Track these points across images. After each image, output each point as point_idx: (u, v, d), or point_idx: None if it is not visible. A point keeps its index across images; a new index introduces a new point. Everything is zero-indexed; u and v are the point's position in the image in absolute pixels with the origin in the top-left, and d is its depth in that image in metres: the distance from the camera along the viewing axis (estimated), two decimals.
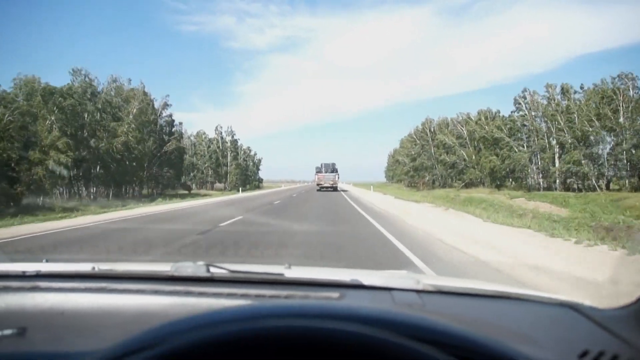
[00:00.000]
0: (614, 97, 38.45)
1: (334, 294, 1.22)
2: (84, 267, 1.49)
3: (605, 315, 1.11)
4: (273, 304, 0.91)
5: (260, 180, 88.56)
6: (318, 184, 45.29)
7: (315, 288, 1.33)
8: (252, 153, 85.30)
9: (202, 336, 0.67)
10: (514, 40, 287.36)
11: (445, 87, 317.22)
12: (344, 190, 46.77)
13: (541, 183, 44.86)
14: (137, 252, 7.46)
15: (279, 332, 0.68)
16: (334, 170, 46.13)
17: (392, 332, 0.66)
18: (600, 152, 40.21)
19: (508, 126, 49.75)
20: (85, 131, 34.27)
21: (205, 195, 46.62)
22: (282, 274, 1.38)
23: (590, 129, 38.55)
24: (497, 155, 49.98)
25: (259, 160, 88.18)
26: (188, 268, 1.38)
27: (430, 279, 1.42)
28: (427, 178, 68.79)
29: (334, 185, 45.04)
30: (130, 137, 37.98)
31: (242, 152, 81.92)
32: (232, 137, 76.84)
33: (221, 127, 76.29)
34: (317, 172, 46.78)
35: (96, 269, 1.47)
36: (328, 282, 1.40)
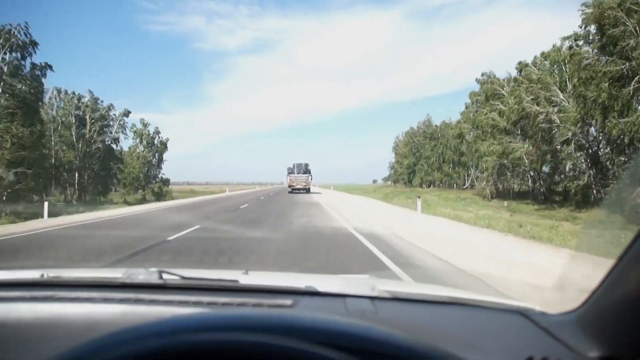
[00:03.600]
0: None
1: (287, 301, 1.22)
2: (31, 274, 1.45)
3: (552, 320, 1.13)
4: (193, 316, 0.84)
5: (165, 183, 50.10)
6: (290, 186, 43.87)
7: (269, 295, 1.30)
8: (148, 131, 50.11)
9: (120, 354, 0.67)
10: (485, 42, 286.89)
11: (420, 89, 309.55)
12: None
13: None
14: None
15: (192, 346, 0.68)
16: (306, 171, 44.81)
17: (305, 341, 0.66)
18: None
19: None
20: None
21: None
22: (236, 281, 1.37)
23: None
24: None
25: (163, 146, 49.74)
26: (140, 275, 1.35)
27: (387, 285, 1.43)
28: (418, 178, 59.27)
29: (306, 187, 43.47)
30: None
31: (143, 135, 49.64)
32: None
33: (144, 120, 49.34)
34: (288, 174, 45.27)
35: (45, 276, 1.43)
36: (282, 289, 1.37)
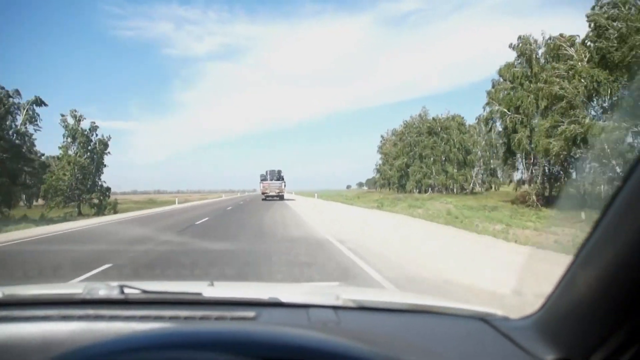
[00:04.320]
0: None
1: (250, 313, 1.22)
2: None
3: (512, 326, 1.14)
4: (146, 333, 0.84)
5: (105, 192, 39.66)
6: (263, 193, 42.51)
7: (232, 308, 1.29)
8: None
9: None
10: (453, 50, 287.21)
11: (390, 95, 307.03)
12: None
13: None
14: None
15: None
16: (279, 177, 43.53)
17: (248, 357, 0.68)
18: None
19: None
20: None
21: None
22: (199, 293, 1.35)
23: None
24: None
25: (103, 146, 39.18)
26: (100, 290, 1.31)
27: (352, 293, 1.42)
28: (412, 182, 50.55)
29: (280, 194, 41.87)
30: None
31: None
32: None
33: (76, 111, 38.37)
34: (261, 180, 43.67)
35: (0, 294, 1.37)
36: (246, 301, 1.37)
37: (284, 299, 1.33)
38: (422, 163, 49.92)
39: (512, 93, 26.88)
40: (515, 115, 26.93)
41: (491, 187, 51.59)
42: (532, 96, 25.42)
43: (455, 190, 49.82)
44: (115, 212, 35.39)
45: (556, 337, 0.95)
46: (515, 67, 27.66)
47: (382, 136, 66.03)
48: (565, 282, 0.93)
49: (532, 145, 25.18)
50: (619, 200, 0.76)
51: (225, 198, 66.04)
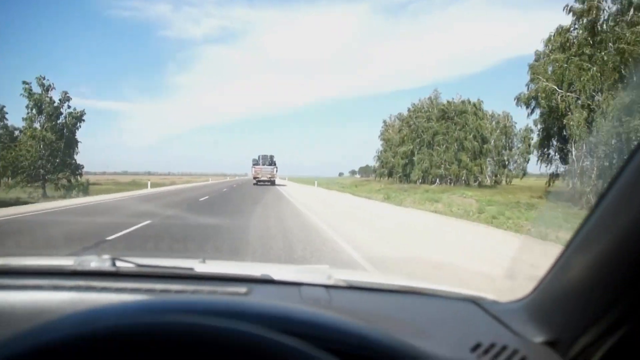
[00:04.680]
0: None
1: (242, 289, 1.22)
2: None
3: (502, 308, 1.15)
4: (140, 301, 0.81)
5: (75, 172, 35.28)
6: (255, 177, 42.33)
7: (224, 283, 1.29)
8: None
9: (62, 337, 0.64)
10: (453, 39, 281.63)
11: (389, 84, 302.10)
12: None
13: None
14: None
15: (133, 329, 0.65)
16: (272, 163, 43.46)
17: (255, 324, 0.66)
18: None
19: None
20: None
21: None
22: (191, 268, 1.36)
23: None
24: None
25: (74, 120, 34.53)
26: (92, 262, 1.31)
27: (343, 274, 1.40)
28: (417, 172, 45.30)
29: (271, 179, 41.83)
30: None
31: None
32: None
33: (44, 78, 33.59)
34: (253, 165, 43.58)
35: None
36: (238, 277, 1.36)
37: (276, 276, 1.33)
38: (433, 151, 45.21)
39: (565, 66, 22.14)
40: (568, 93, 22.24)
41: (501, 180, 47.36)
42: (595, 68, 20.72)
43: (466, 181, 45.35)
44: (86, 195, 30.55)
45: (546, 319, 0.95)
46: (571, 33, 22.88)
47: (384, 121, 61.12)
48: (559, 266, 0.93)
49: (593, 130, 20.55)
50: (618, 185, 0.77)
51: (212, 182, 60.49)
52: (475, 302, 1.22)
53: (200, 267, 1.38)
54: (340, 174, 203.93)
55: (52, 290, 1.19)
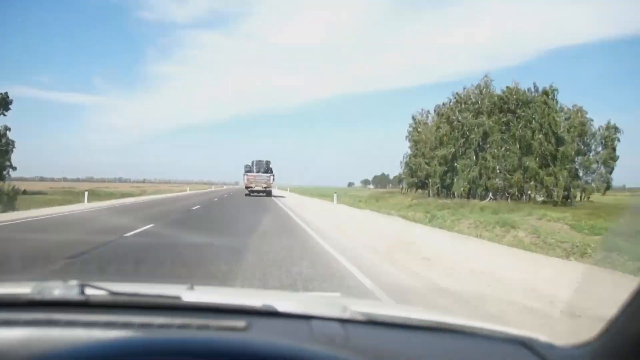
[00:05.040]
0: None
1: (240, 322, 1.06)
2: None
3: (560, 354, 1.01)
4: (113, 341, 0.71)
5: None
6: (247, 187, 37.62)
7: (218, 315, 1.12)
8: None
9: None
10: (477, 30, 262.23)
11: (403, 78, 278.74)
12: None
13: None
14: None
15: None
16: (268, 170, 39.00)
17: None
18: None
19: None
20: None
21: None
22: (178, 297, 1.16)
23: None
24: None
25: None
26: (55, 289, 1.10)
27: (360, 305, 1.24)
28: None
29: (267, 189, 37.29)
30: None
31: None
32: None
33: None
34: (246, 172, 38.76)
35: None
36: (235, 308, 1.19)
37: (281, 307, 1.16)
38: (486, 154, 34.14)
39: None
40: None
41: (575, 195, 36.22)
42: None
43: (529, 197, 34.21)
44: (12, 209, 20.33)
45: None
46: None
47: (413, 118, 49.33)
48: (637, 306, 0.80)
49: None
50: None
51: (190, 193, 49.46)
52: (524, 344, 1.06)
53: (189, 295, 1.17)
54: (351, 184, 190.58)
55: (2, 327, 0.99)
